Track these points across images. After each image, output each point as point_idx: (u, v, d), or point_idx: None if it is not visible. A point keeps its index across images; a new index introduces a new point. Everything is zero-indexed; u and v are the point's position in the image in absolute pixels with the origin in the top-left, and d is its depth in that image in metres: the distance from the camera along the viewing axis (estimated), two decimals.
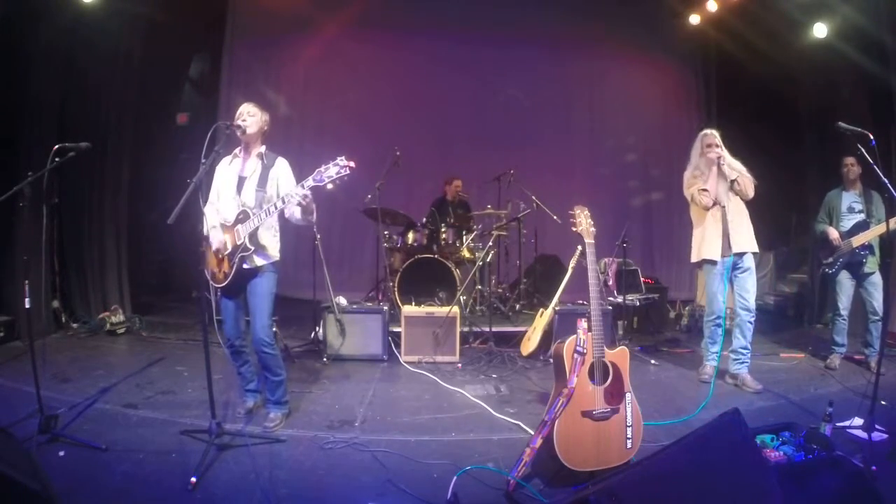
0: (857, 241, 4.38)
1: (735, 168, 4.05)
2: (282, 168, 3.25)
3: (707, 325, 4.27)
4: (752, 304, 4.06)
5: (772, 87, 6.71)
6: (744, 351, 4.06)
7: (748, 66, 6.76)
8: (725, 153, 4.07)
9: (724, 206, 4.01)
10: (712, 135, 4.12)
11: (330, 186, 2.96)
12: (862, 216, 4.44)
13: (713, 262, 4.07)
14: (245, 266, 3.11)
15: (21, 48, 4.80)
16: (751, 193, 4.06)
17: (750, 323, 4.06)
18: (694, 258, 4.24)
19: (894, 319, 4.81)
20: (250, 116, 3.16)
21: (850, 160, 4.47)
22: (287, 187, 3.18)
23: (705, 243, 4.09)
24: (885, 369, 3.53)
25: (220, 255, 3.15)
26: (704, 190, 4.03)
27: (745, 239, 4.05)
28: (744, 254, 4.05)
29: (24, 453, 2.46)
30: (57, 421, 2.97)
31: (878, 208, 4.38)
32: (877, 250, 4.41)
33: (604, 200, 7.51)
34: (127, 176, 5.92)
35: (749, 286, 4.07)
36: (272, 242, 3.23)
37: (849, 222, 4.49)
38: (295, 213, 3.11)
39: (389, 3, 7.38)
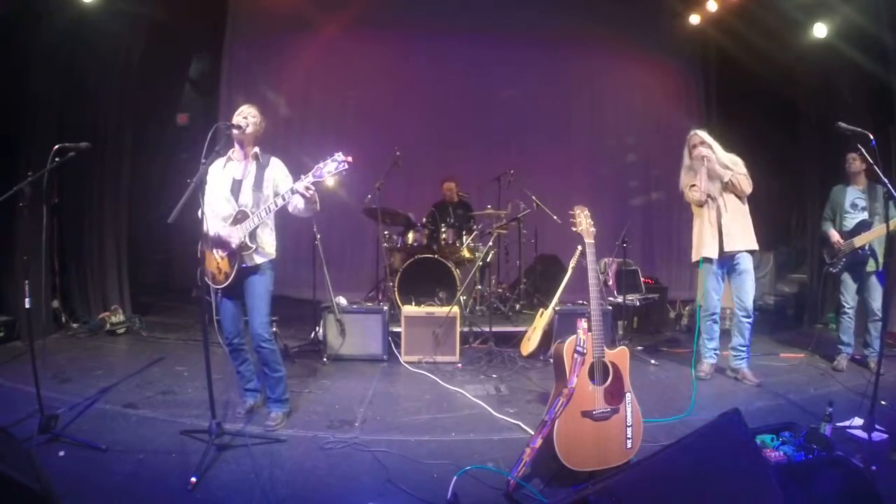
0: (859, 241, 4.34)
1: (727, 165, 4.05)
2: (277, 168, 3.27)
3: (703, 320, 4.29)
4: (749, 305, 4.10)
5: (771, 87, 6.71)
6: (742, 348, 4.17)
7: (748, 66, 6.75)
8: (718, 150, 4.09)
9: (717, 203, 4.04)
10: (697, 136, 4.14)
11: (330, 182, 3.00)
12: (865, 214, 4.38)
13: (710, 260, 4.11)
14: (244, 265, 3.15)
15: (21, 48, 4.80)
16: (747, 190, 4.05)
17: (748, 325, 4.12)
18: (694, 257, 4.28)
19: (894, 319, 4.79)
20: (252, 117, 3.19)
21: (851, 155, 4.44)
22: (285, 186, 3.21)
23: (701, 241, 4.15)
24: (885, 369, 3.52)
25: (221, 255, 3.15)
26: (694, 185, 4.09)
27: (739, 238, 4.04)
28: (737, 254, 4.04)
29: (24, 453, 2.46)
30: (57, 421, 2.97)
31: (881, 204, 4.26)
32: (878, 251, 4.30)
33: (604, 200, 7.52)
34: (127, 176, 5.92)
35: (747, 288, 4.10)
36: (270, 241, 3.26)
37: (852, 221, 4.43)
38: (298, 204, 3.13)
39: (389, 3, 7.38)
